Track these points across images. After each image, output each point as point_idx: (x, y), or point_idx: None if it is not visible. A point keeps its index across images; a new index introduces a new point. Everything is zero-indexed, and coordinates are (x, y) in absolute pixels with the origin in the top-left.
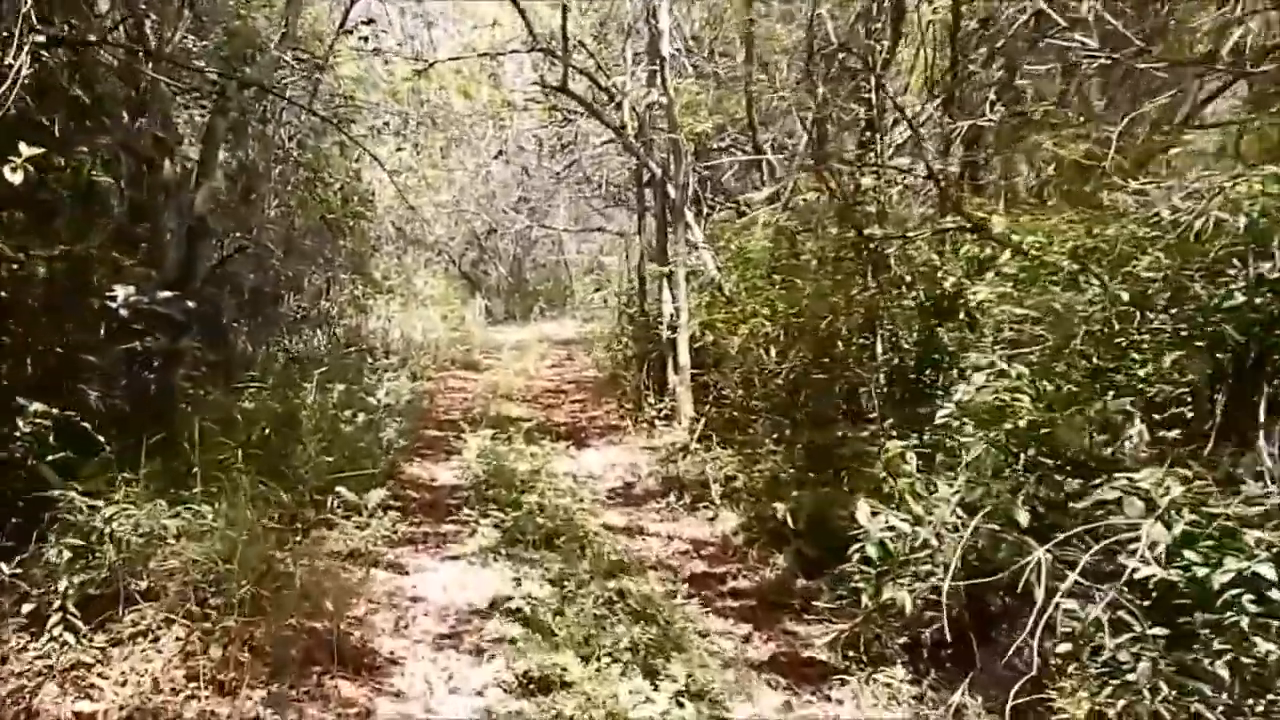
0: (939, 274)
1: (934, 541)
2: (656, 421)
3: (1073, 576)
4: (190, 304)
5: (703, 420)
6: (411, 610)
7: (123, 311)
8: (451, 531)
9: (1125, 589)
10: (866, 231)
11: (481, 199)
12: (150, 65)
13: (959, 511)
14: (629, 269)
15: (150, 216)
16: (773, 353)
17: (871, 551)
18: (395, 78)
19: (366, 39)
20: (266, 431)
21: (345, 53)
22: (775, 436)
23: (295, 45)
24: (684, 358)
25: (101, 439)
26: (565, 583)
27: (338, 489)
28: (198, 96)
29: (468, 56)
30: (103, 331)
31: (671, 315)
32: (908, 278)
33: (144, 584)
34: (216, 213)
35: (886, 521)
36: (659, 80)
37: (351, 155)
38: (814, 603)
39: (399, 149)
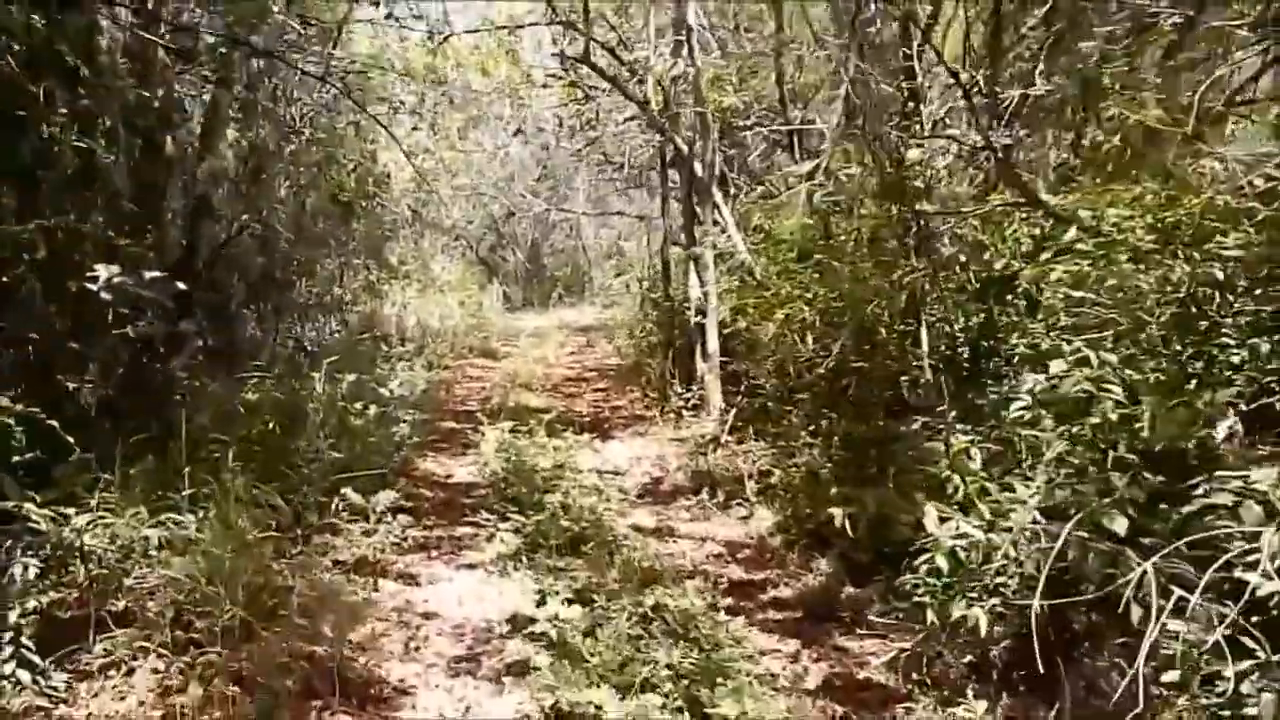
0: (994, 253)
1: (1012, 551)
2: (684, 411)
3: (1193, 599)
4: (181, 286)
5: (733, 411)
6: (423, 629)
7: (105, 295)
8: (468, 535)
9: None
10: (919, 208)
11: (500, 181)
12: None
13: (1038, 516)
14: (650, 253)
15: (152, 195)
16: (809, 339)
17: (942, 563)
18: (410, 54)
19: (378, 3)
20: (270, 425)
21: (359, 28)
22: (812, 428)
23: (303, 14)
24: (713, 344)
25: (73, 439)
26: (594, 595)
27: (343, 491)
28: (201, 64)
29: (486, 29)
30: (99, 317)
31: (699, 300)
32: (962, 257)
33: (120, 604)
34: (222, 192)
35: (957, 528)
36: (685, 51)
37: (366, 136)
38: (864, 613)
39: (414, 128)
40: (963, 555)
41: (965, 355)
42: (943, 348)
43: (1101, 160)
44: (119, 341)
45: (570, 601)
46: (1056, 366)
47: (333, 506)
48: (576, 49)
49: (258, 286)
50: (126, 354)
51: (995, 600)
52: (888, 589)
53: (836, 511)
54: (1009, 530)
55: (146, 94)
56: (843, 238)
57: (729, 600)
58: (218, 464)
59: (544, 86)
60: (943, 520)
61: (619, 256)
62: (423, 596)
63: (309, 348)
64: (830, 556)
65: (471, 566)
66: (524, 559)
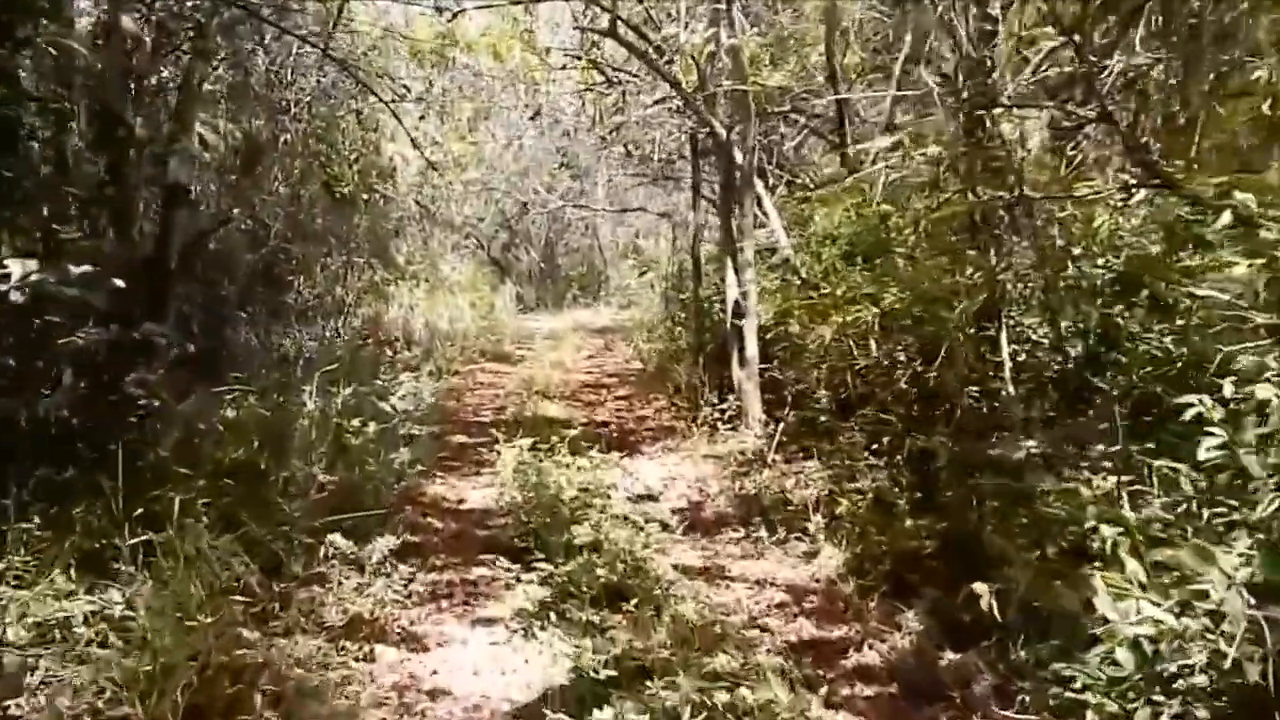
0: (1104, 244)
1: (1222, 644)
2: (719, 424)
3: None
4: (119, 284)
5: (779, 425)
6: (430, 713)
7: (15, 296)
8: (484, 579)
9: None
10: (1021, 191)
11: (513, 176)
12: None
13: (1245, 595)
14: (675, 250)
15: (118, 181)
16: (872, 346)
17: (1126, 658)
18: (417, 35)
19: None
20: (251, 450)
21: (361, 10)
22: (874, 447)
23: None
24: (751, 350)
25: None
26: (640, 661)
27: (331, 536)
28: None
29: (499, 3)
30: (28, 324)
31: (737, 300)
32: (1075, 249)
33: (23, 708)
34: (209, 183)
35: (1138, 610)
36: (724, 23)
37: (369, 124)
38: (975, 690)
39: (421, 117)
40: (1147, 647)
41: (1074, 367)
42: (1038, 356)
43: (1223, 144)
44: (63, 352)
45: (612, 682)
46: (1265, 391)
47: (322, 552)
48: (599, 26)
49: (248, 287)
50: (70, 368)
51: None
52: (1000, 657)
53: (981, 589)
54: (1208, 614)
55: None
56: (908, 230)
57: (802, 663)
58: (175, 505)
59: (562, 68)
60: (1117, 598)
61: (635, 255)
62: (430, 666)
63: (308, 355)
64: (919, 609)
65: (489, 622)
66: (551, 615)
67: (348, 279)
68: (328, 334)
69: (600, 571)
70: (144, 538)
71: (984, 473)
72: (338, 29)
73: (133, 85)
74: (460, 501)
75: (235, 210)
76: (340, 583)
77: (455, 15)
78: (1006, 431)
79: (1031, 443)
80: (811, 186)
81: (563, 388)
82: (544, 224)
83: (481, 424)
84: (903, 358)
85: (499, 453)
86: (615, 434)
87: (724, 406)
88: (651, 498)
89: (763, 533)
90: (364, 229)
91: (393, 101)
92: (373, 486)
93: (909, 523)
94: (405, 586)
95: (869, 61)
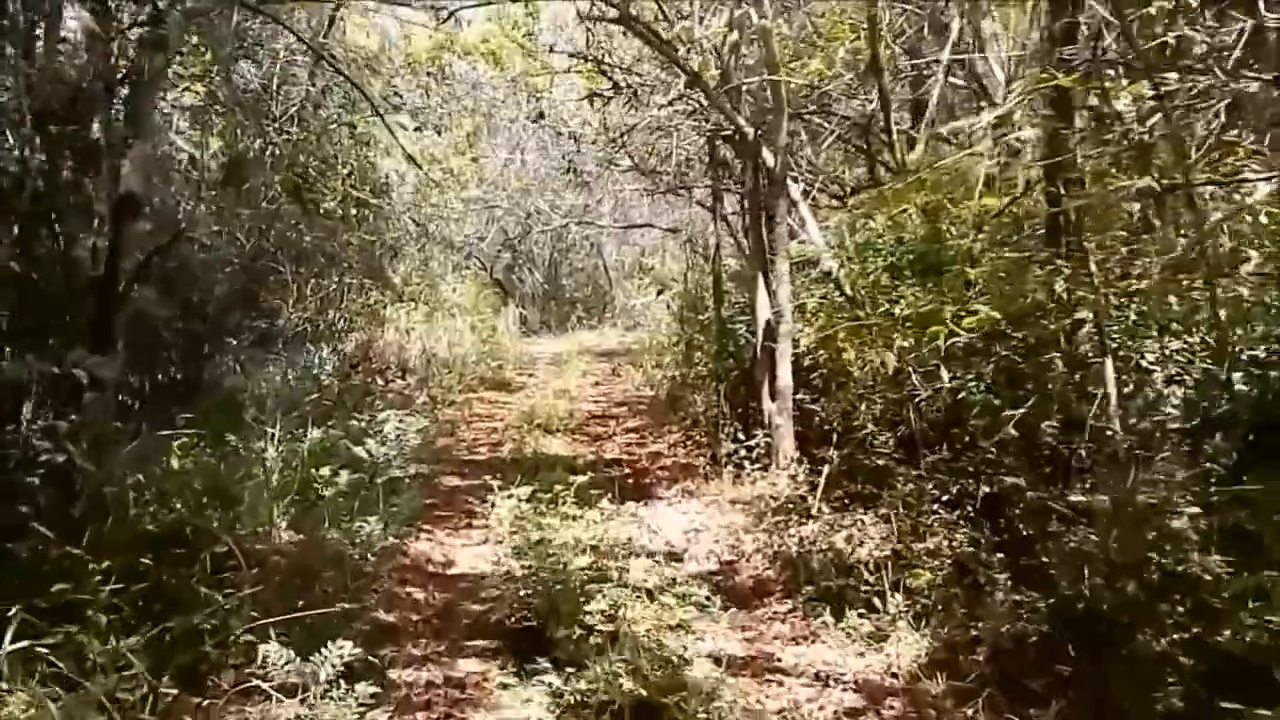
0: None
1: None
2: (746, 463)
3: None
4: None
5: (825, 465)
6: None
7: None
8: (472, 678)
9: None
10: (1164, 182)
11: (515, 193)
12: None
13: None
14: (689, 267)
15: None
16: (944, 375)
17: None
18: (413, 44)
19: None
20: (197, 505)
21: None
22: (945, 499)
23: None
24: (785, 378)
25: None
26: None
27: (265, 648)
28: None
29: (498, 1)
30: None
31: (768, 321)
32: (1254, 254)
33: None
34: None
35: None
36: (751, 2)
37: (364, 138)
38: None
39: (417, 128)
40: None
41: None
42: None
43: None
44: None
45: None
46: None
47: (258, 659)
48: (598, 40)
49: (226, 310)
50: None
51: None
52: None
53: None
54: None
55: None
56: (973, 234)
57: None
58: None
59: (566, 71)
60: None
61: (643, 273)
62: None
63: (291, 385)
64: None
65: None
66: None
67: (343, 301)
68: (315, 362)
69: (623, 682)
70: (21, 645)
71: (1099, 532)
72: (330, 38)
73: (87, 85)
74: (448, 564)
75: (205, 223)
76: (277, 703)
77: (449, 15)
78: (1112, 480)
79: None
80: (847, 191)
81: (567, 419)
82: (547, 244)
83: (477, 463)
84: (977, 388)
85: (494, 502)
86: (627, 474)
87: (752, 444)
88: (675, 557)
89: (814, 606)
90: (357, 248)
91: (386, 112)
92: (342, 551)
93: (1003, 596)
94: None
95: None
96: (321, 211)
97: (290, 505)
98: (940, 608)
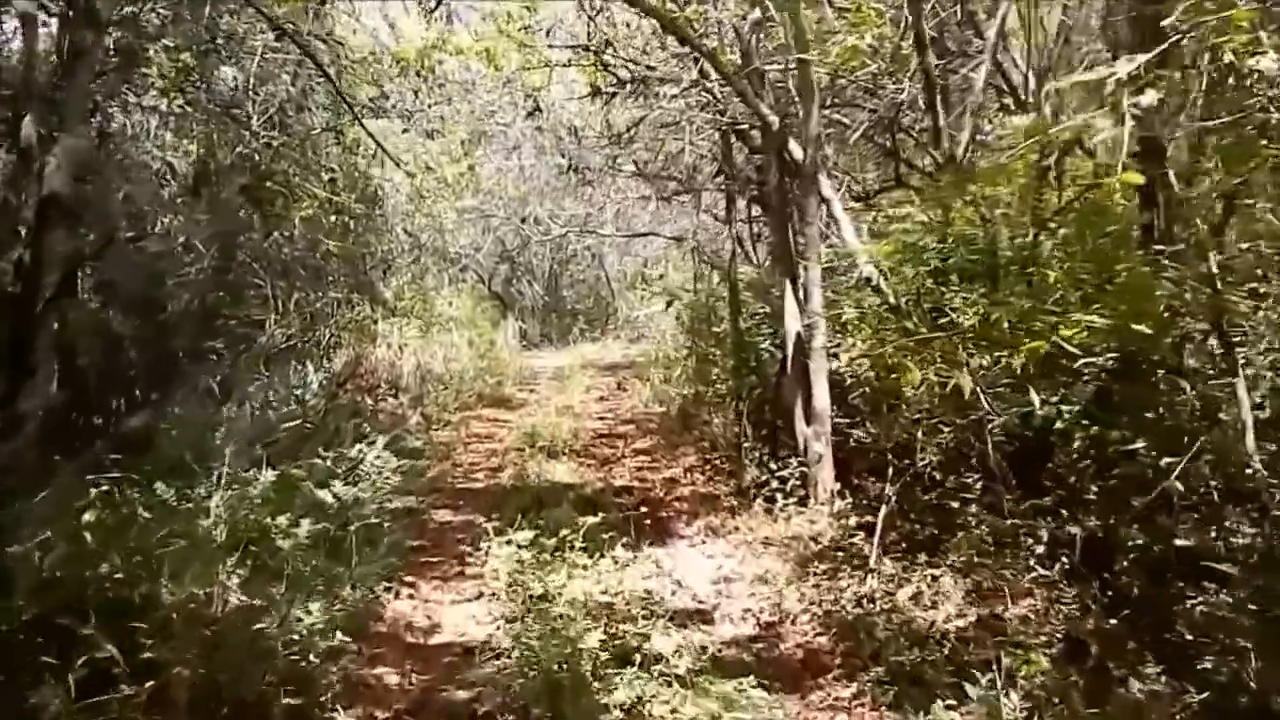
0: None
1: None
2: (778, 495)
3: None
4: None
5: (883, 505)
6: None
7: None
8: None
9: None
10: None
11: (512, 201)
12: None
13: None
14: (695, 277)
15: None
16: (1035, 397)
17: None
18: (402, 45)
19: None
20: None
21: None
22: (1035, 547)
23: None
24: (822, 399)
25: None
26: None
27: None
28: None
29: None
30: None
31: (798, 334)
32: None
33: None
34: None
35: None
36: None
37: (352, 145)
38: None
39: (404, 130)
40: None
41: None
42: None
43: None
44: None
45: None
46: None
47: None
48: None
49: (198, 328)
50: None
51: None
52: None
53: None
54: None
55: None
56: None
57: None
58: None
59: (567, 65)
60: None
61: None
62: None
63: (272, 409)
64: None
65: None
66: None
67: (334, 316)
68: (300, 382)
69: None
70: None
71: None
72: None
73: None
74: (432, 630)
75: (174, 234)
76: None
77: (438, 3)
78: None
79: None
80: (871, 191)
81: (572, 440)
82: (546, 255)
83: (474, 492)
84: (1070, 412)
85: (490, 544)
86: (639, 504)
87: (784, 473)
88: (704, 617)
89: (886, 694)
90: (345, 260)
91: (371, 115)
92: (291, 626)
93: (1139, 688)
94: None
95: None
96: (301, 220)
97: (240, 564)
98: (1057, 700)
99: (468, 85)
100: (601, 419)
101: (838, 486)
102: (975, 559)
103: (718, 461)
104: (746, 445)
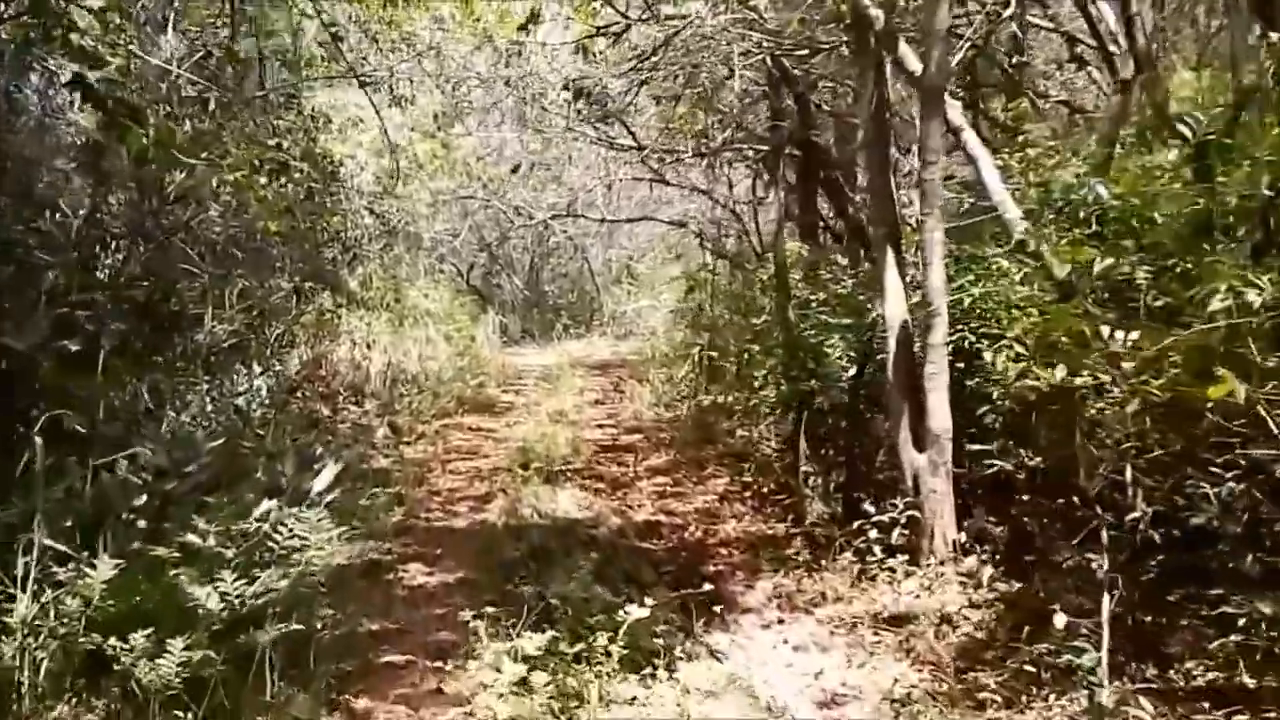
0: None
1: None
2: (875, 547)
3: None
4: None
5: (1105, 595)
6: None
7: None
8: None
9: None
10: None
11: (491, 181)
12: None
13: None
14: (715, 261)
15: None
16: None
17: None
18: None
19: None
20: None
21: None
22: None
23: None
24: (941, 415)
25: None
26: None
27: None
28: None
29: None
30: None
31: (905, 324)
32: None
33: None
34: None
35: None
36: None
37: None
38: None
39: (362, 86)
40: None
41: None
42: None
43: None
44: None
45: None
46: None
47: None
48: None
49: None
50: None
51: None
52: None
53: None
54: None
55: None
56: None
57: None
58: None
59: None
60: None
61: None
62: None
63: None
64: None
65: None
66: None
67: (290, 309)
68: (245, 388)
69: None
70: None
71: None
72: None
73: None
74: None
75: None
76: None
77: None
78: None
79: None
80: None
81: (571, 456)
82: (527, 246)
83: (455, 534)
84: None
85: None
86: (675, 548)
87: (883, 516)
88: None
89: None
90: (301, 246)
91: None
92: None
93: None
94: None
95: None
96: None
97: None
98: None
99: (434, 45)
100: (601, 427)
101: (960, 536)
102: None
103: (760, 485)
104: (805, 469)
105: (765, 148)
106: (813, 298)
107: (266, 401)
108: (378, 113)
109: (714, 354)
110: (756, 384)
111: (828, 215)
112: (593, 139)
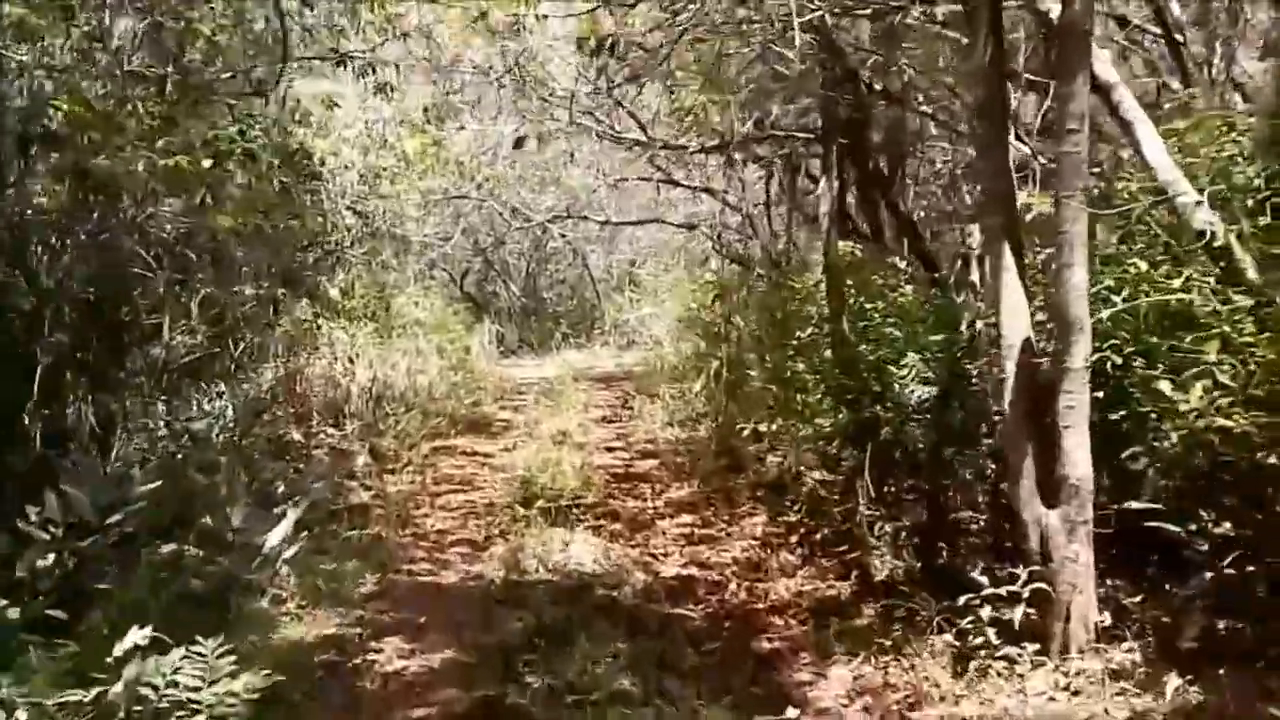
0: None
1: None
2: (985, 624)
3: None
4: None
5: None
6: None
7: None
8: None
9: None
10: None
11: (487, 180)
12: None
13: None
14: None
15: None
16: None
17: None
18: None
19: None
20: None
21: None
22: None
23: None
24: (1081, 460)
25: None
26: None
27: None
28: None
29: None
30: None
31: (1028, 341)
32: None
33: None
34: None
35: None
36: None
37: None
38: None
39: (338, 63)
40: None
41: None
42: None
43: None
44: None
45: None
46: None
47: None
48: None
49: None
50: None
51: None
52: None
53: None
54: None
55: None
56: None
57: None
58: None
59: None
60: None
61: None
62: None
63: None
64: None
65: None
66: None
67: (263, 318)
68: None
69: None
70: None
71: None
72: None
73: None
74: None
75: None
76: None
77: None
78: None
79: None
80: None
81: (580, 486)
82: (524, 252)
83: (443, 596)
84: None
85: None
86: (718, 617)
87: (1009, 588)
88: None
89: None
90: (273, 249)
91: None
92: None
93: None
94: None
95: None
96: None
97: None
98: None
99: (426, 30)
100: (611, 451)
101: (1104, 619)
102: None
103: (805, 529)
104: (866, 513)
105: (804, 135)
106: (869, 306)
107: (231, 425)
108: (362, 102)
109: (738, 369)
110: (798, 407)
111: (870, 213)
112: (597, 131)
